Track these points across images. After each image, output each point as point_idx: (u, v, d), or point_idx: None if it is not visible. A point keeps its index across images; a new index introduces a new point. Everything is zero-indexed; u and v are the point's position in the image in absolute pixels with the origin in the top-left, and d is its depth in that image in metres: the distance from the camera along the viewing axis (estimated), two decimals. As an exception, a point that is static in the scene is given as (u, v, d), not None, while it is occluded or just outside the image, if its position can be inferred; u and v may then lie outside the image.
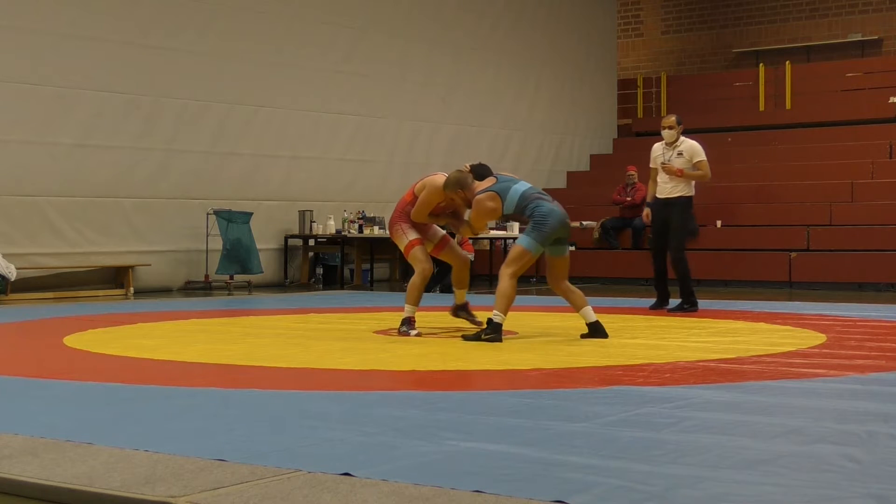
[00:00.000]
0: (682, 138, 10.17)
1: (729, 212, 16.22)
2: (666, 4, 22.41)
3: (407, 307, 7.90)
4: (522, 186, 7.63)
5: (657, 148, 10.27)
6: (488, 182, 7.69)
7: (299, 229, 15.00)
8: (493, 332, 7.25)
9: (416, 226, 8.05)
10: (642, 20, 22.61)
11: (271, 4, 14.78)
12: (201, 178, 13.99)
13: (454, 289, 8.34)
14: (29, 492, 3.37)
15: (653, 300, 10.44)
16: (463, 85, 17.58)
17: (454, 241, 8.42)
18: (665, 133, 10.16)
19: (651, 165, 10.33)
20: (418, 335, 7.74)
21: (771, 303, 11.38)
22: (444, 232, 8.31)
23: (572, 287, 7.66)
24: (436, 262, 15.92)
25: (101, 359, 6.61)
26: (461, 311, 8.30)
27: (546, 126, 19.21)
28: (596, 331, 7.54)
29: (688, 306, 10.03)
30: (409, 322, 7.87)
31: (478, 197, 7.60)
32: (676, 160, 10.06)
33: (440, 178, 7.87)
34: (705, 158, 10.12)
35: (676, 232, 10.13)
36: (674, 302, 10.27)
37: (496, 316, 7.30)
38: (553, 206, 7.52)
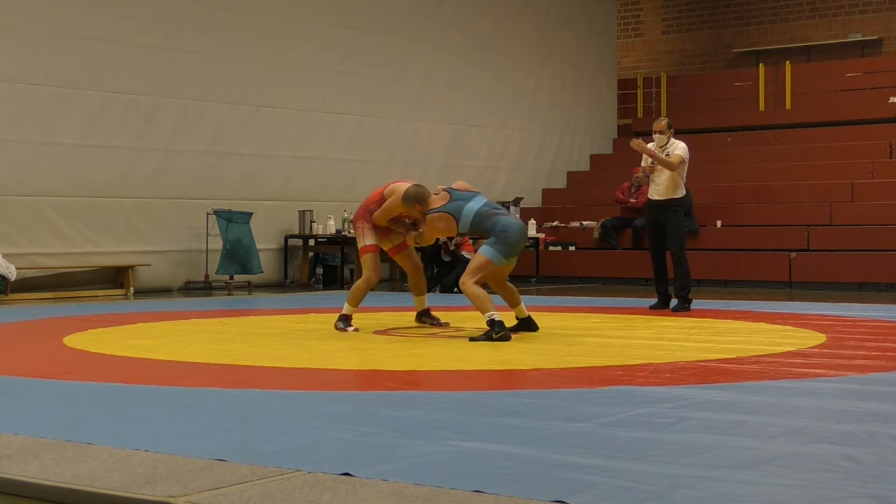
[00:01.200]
0: (673, 140, 10.23)
1: (729, 212, 16.22)
2: (666, 4, 22.41)
3: (346, 307, 8.21)
4: (477, 204, 7.78)
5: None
6: (442, 199, 7.90)
7: (299, 229, 15.00)
8: (500, 330, 7.32)
9: (378, 227, 8.25)
10: (642, 20, 22.60)
11: (271, 4, 14.78)
12: (201, 178, 13.99)
13: (413, 295, 8.51)
14: (29, 492, 3.37)
15: (653, 300, 10.45)
16: (463, 85, 17.57)
17: (413, 248, 8.56)
18: (656, 137, 10.20)
19: (643, 164, 10.49)
20: (356, 331, 8.03)
21: (771, 303, 11.37)
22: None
23: (511, 287, 7.98)
24: (437, 262, 15.82)
25: (101, 359, 6.61)
26: (424, 316, 8.47)
27: (546, 126, 19.20)
28: (527, 325, 7.85)
29: (686, 304, 10.07)
30: (345, 319, 8.17)
31: (429, 216, 7.88)
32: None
33: (404, 186, 8.08)
34: (681, 155, 10.11)
35: (675, 233, 10.16)
36: (673, 302, 10.29)
37: (491, 315, 7.36)
38: (511, 220, 7.76)
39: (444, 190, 8.02)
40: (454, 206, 7.82)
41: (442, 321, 8.47)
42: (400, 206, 8.03)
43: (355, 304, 8.25)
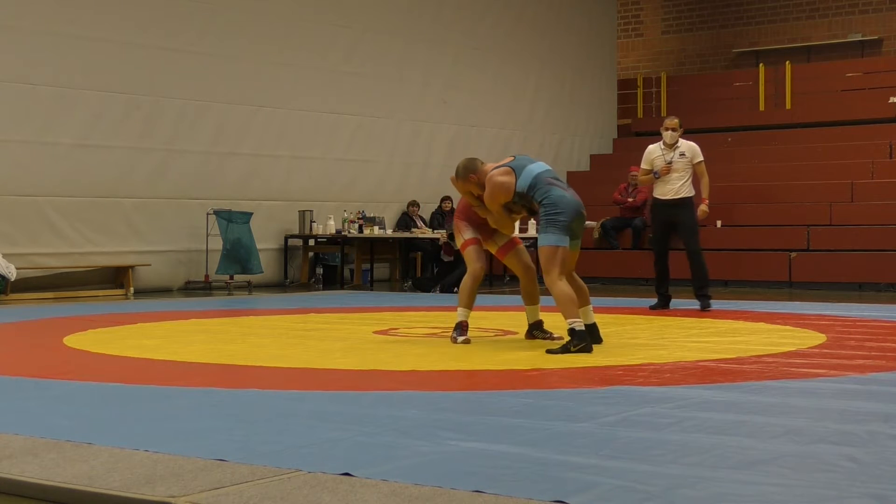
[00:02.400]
0: (681, 140, 10.28)
1: (729, 212, 16.22)
2: (666, 4, 22.42)
3: (459, 310, 7.41)
4: (539, 168, 7.17)
5: (654, 150, 10.28)
6: (505, 161, 7.31)
7: (299, 229, 15.00)
8: (579, 342, 6.69)
9: (479, 225, 7.51)
10: (642, 20, 22.61)
11: (271, 4, 14.78)
12: (201, 178, 14.00)
13: (525, 304, 7.56)
14: (29, 492, 3.37)
15: (653, 300, 10.43)
16: (463, 85, 17.58)
17: (523, 247, 7.69)
18: (668, 134, 10.19)
19: (644, 166, 10.33)
20: (466, 342, 7.24)
21: (771, 303, 11.37)
22: (515, 234, 7.65)
23: (579, 282, 7.24)
24: (437, 262, 15.68)
25: (101, 359, 6.61)
26: (535, 329, 7.52)
27: (546, 126, 19.20)
28: (590, 333, 7.07)
29: (709, 302, 10.04)
30: (459, 327, 7.34)
31: (490, 173, 7.17)
32: (679, 160, 10.12)
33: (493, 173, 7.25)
34: (703, 161, 10.26)
35: (693, 231, 10.15)
36: (677, 302, 10.29)
37: (573, 323, 6.73)
38: (565, 193, 7.05)
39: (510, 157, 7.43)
40: (517, 163, 7.19)
41: (555, 335, 7.34)
42: (467, 189, 7.32)
43: (467, 304, 7.35)
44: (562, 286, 6.81)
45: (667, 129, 10.23)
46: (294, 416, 4.51)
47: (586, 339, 6.74)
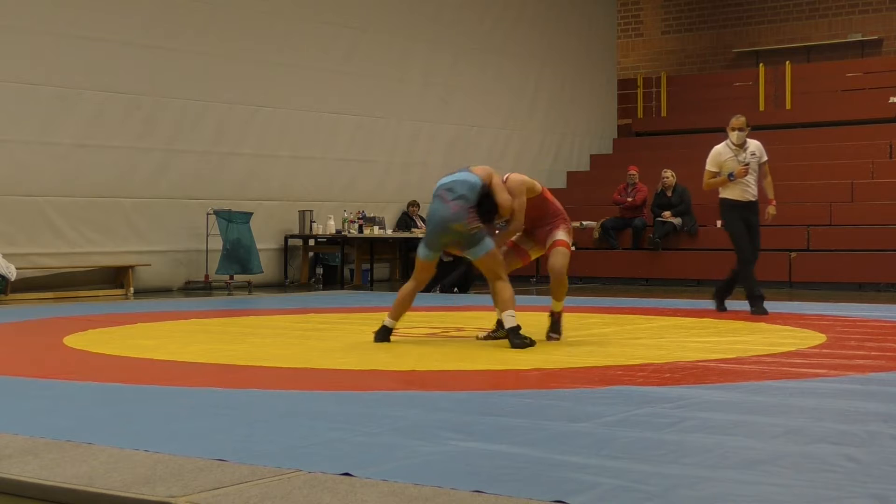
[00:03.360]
0: (748, 140, 9.89)
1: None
2: (666, 4, 22.41)
3: (505, 316, 7.10)
4: (445, 179, 7.31)
5: (724, 151, 9.81)
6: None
7: (299, 229, 15.00)
8: (518, 339, 6.84)
9: (526, 231, 7.43)
10: (642, 20, 22.60)
11: (271, 4, 14.78)
12: (201, 178, 14.00)
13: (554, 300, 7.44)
14: (29, 492, 3.37)
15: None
16: (463, 85, 17.58)
17: (557, 249, 7.40)
18: (736, 135, 9.76)
19: (712, 168, 9.82)
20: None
21: (771, 303, 11.35)
22: (561, 237, 7.41)
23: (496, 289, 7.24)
24: (437, 262, 15.83)
25: (101, 359, 6.61)
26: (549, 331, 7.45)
27: (546, 126, 19.20)
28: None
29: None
30: (513, 331, 7.00)
31: None
32: (752, 160, 9.76)
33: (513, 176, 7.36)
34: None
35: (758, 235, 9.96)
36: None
37: (387, 322, 7.31)
38: (435, 207, 7.20)
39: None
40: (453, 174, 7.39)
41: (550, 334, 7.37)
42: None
43: (505, 306, 7.10)
44: (407, 287, 7.40)
45: (734, 129, 9.80)
46: (294, 416, 4.51)
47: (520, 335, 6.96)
